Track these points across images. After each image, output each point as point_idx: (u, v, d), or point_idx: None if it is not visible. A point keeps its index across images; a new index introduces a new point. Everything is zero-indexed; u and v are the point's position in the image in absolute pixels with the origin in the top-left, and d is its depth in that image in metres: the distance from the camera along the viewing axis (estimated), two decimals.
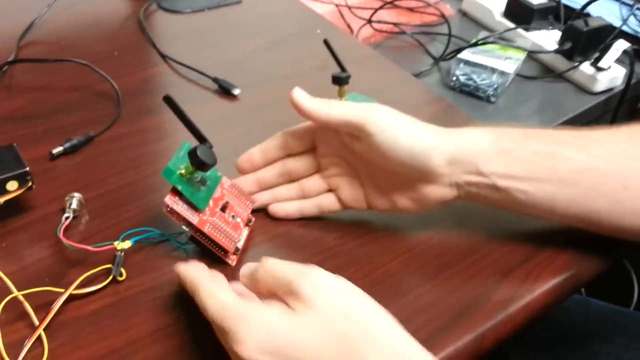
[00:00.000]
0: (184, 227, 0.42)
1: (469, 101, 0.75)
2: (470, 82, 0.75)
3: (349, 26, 0.88)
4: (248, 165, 0.47)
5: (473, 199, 0.44)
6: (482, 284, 0.44)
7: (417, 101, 0.65)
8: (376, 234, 0.48)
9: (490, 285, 0.44)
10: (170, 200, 0.41)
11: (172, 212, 0.41)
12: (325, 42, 0.57)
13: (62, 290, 0.39)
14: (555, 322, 0.56)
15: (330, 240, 0.47)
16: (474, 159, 0.42)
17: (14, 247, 0.44)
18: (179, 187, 0.41)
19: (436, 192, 0.44)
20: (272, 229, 0.47)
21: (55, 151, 0.51)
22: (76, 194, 0.46)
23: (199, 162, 0.40)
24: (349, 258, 0.45)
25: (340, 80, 0.57)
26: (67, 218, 0.44)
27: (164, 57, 0.67)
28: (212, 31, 0.72)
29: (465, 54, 0.76)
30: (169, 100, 0.39)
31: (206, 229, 0.42)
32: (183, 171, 0.41)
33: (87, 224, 0.46)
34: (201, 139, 0.41)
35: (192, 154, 0.40)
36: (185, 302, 0.41)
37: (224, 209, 0.44)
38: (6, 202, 0.43)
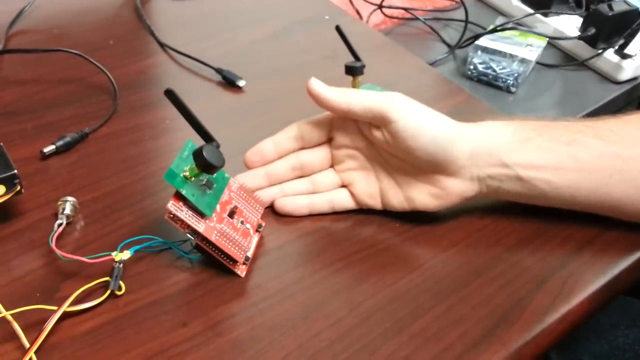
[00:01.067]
0: (188, 234, 0.38)
1: (487, 91, 0.71)
2: (489, 71, 0.70)
3: (358, 12, 0.83)
4: (259, 159, 0.44)
5: (494, 194, 0.43)
6: (515, 294, 0.40)
7: (435, 92, 0.61)
8: (395, 241, 0.44)
9: (524, 296, 0.40)
10: (174, 207, 0.37)
11: (176, 219, 0.37)
12: (338, 29, 0.53)
13: (55, 307, 0.35)
14: (597, 324, 0.53)
15: (347, 247, 0.43)
16: (496, 150, 0.41)
17: (1, 258, 0.40)
18: (183, 192, 0.37)
19: (457, 186, 0.42)
20: (284, 235, 0.43)
21: (46, 150, 0.47)
22: (70, 198, 0.42)
23: (206, 164, 0.36)
24: (369, 266, 0.42)
25: (354, 71, 0.53)
26: (59, 225, 0.40)
27: (163, 46, 0.62)
28: (215, 19, 0.68)
29: (483, 41, 0.71)
30: (170, 94, 0.35)
31: (213, 238, 0.38)
32: (187, 173, 0.37)
33: (82, 230, 0.42)
34: (207, 137, 0.37)
35: (198, 155, 0.36)
36: (193, 318, 0.37)
37: (232, 214, 0.40)
38: None
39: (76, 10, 0.67)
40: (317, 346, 0.36)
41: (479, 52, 0.71)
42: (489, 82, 0.71)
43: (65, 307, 0.35)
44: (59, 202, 0.42)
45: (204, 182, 0.38)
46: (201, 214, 0.38)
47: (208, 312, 0.38)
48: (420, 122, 0.41)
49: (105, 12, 0.67)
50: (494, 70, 0.70)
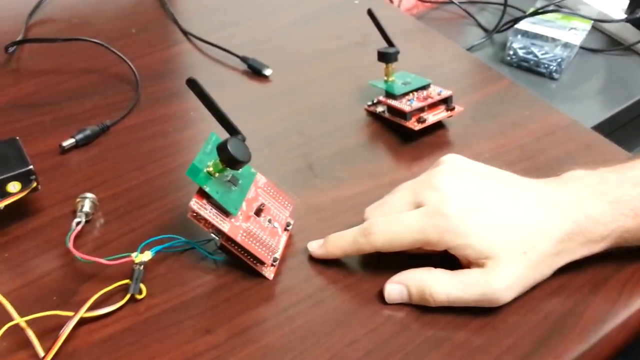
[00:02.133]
0: (212, 234, 0.35)
1: (527, 78, 0.67)
2: (530, 57, 0.66)
3: None
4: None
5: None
6: (570, 300, 0.37)
7: (473, 80, 0.57)
8: None
9: (579, 301, 0.37)
10: (197, 205, 0.34)
11: (199, 217, 0.35)
12: (370, 13, 0.50)
13: (71, 313, 0.33)
14: None
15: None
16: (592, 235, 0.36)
17: (17, 259, 0.38)
18: (207, 189, 0.34)
19: None
20: (315, 233, 0.40)
21: (65, 144, 0.45)
22: (89, 195, 0.40)
23: (231, 159, 0.33)
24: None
25: (388, 57, 0.50)
26: (78, 224, 0.38)
27: (186, 34, 0.60)
28: (240, 5, 0.65)
29: (523, 25, 0.67)
30: (193, 84, 0.32)
31: (239, 238, 0.35)
32: (211, 169, 0.35)
33: (102, 229, 0.40)
34: (232, 130, 0.34)
35: (222, 149, 0.33)
36: (218, 324, 0.34)
37: (259, 212, 0.37)
38: (8, 205, 0.37)
39: None
40: (352, 356, 0.33)
41: (519, 36, 0.67)
42: (529, 68, 0.67)
43: (82, 312, 0.33)
44: (78, 199, 0.40)
45: (228, 178, 0.36)
46: (226, 213, 0.35)
47: (233, 318, 0.35)
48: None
49: (126, 0, 0.65)
50: (536, 56, 0.66)
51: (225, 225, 0.35)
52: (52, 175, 0.43)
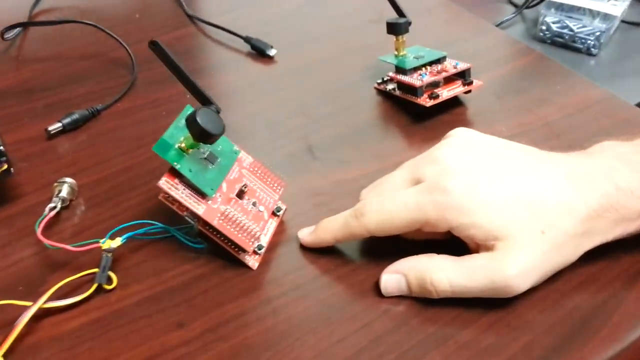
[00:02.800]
0: (188, 219, 0.32)
1: (563, 55, 0.61)
2: (565, 31, 0.60)
3: None
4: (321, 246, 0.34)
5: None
6: (599, 295, 0.31)
7: (499, 54, 0.52)
8: None
9: (611, 296, 0.31)
10: (167, 184, 0.31)
11: (171, 199, 0.31)
12: None
13: (30, 303, 0.30)
14: None
15: (388, 238, 0.35)
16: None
17: None
18: (177, 166, 0.31)
19: None
20: (308, 220, 0.36)
21: (51, 128, 0.43)
22: (68, 180, 0.37)
23: (201, 132, 0.29)
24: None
25: (397, 28, 0.45)
26: (52, 209, 0.35)
27: (191, 17, 0.57)
28: None
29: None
30: (156, 47, 0.29)
31: (216, 222, 0.31)
32: (183, 144, 0.31)
33: (81, 215, 0.37)
34: (204, 99, 0.30)
35: (192, 121, 0.29)
36: (192, 317, 0.31)
37: (241, 194, 0.33)
38: None
39: None
40: (340, 355, 0.29)
41: (553, 9, 0.61)
42: (565, 43, 0.61)
43: (41, 303, 0.30)
44: (55, 184, 0.37)
45: (205, 156, 0.32)
46: (201, 194, 0.31)
47: (210, 311, 0.31)
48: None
49: None
50: (571, 30, 0.60)
51: (200, 208, 0.31)
52: (36, 161, 0.41)
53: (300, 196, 0.38)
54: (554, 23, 0.61)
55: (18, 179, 0.39)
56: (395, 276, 0.31)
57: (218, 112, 0.31)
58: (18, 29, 0.53)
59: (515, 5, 0.66)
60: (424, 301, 0.31)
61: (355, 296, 0.32)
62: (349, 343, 0.30)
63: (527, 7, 0.65)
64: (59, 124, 0.43)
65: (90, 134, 0.44)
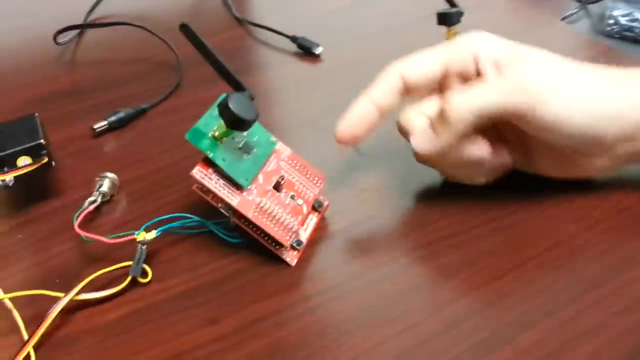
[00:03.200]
0: (223, 211, 0.31)
1: (633, 50, 0.56)
2: (635, 24, 0.56)
3: None
4: (359, 131, 0.34)
5: None
6: None
7: (561, 46, 0.48)
8: (499, 224, 0.33)
9: None
10: (200, 174, 0.30)
11: (205, 190, 0.30)
12: None
13: (62, 294, 0.29)
14: None
15: (433, 232, 0.33)
16: None
17: (30, 239, 0.35)
18: (210, 155, 0.29)
19: (597, 165, 0.32)
20: (352, 215, 0.34)
21: (97, 126, 0.43)
22: (109, 174, 0.37)
23: (233, 118, 0.28)
24: (461, 257, 0.31)
25: (449, 18, 0.43)
26: (91, 203, 0.35)
27: (238, 20, 0.57)
28: None
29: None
30: (186, 29, 0.28)
31: (251, 214, 0.30)
32: (217, 133, 0.30)
33: (122, 209, 0.37)
34: (237, 85, 0.29)
35: (223, 106, 0.28)
36: (226, 314, 0.29)
37: (278, 186, 0.32)
38: (29, 185, 0.35)
39: None
40: (379, 358, 0.27)
41: (622, 2, 0.57)
42: (635, 38, 0.56)
43: (73, 294, 0.29)
44: (97, 178, 0.37)
45: (240, 146, 0.31)
46: (236, 185, 0.30)
47: (245, 307, 0.30)
48: (563, 109, 0.30)
49: None
50: None
51: (234, 199, 0.30)
52: (81, 157, 0.41)
53: (344, 192, 0.36)
54: (622, 16, 0.57)
55: (62, 174, 0.39)
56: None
57: (252, 98, 0.29)
58: (73, 33, 0.55)
59: (580, 1, 0.62)
60: (479, 303, 0.28)
61: (401, 295, 0.30)
62: (390, 346, 0.27)
63: (592, 2, 0.61)
64: (105, 122, 0.43)
65: (135, 132, 0.44)
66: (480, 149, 0.32)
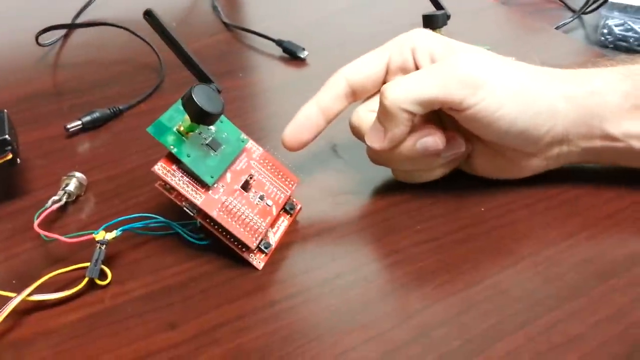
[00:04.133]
0: (187, 210, 0.29)
1: None
2: (629, 34, 0.55)
3: None
4: (306, 136, 0.34)
5: (587, 162, 0.33)
6: None
7: (555, 53, 0.47)
8: (478, 229, 0.32)
9: None
10: (163, 170, 0.28)
11: (168, 187, 0.29)
12: None
13: (13, 294, 0.28)
14: None
15: (409, 236, 0.31)
16: (600, 121, 0.31)
17: None
18: (174, 150, 0.28)
19: (535, 165, 0.33)
20: (325, 218, 0.33)
21: (70, 126, 0.42)
22: (77, 174, 0.36)
23: (197, 110, 0.27)
24: (435, 263, 0.30)
25: (434, 21, 0.42)
26: (55, 202, 0.34)
27: (226, 25, 0.56)
28: None
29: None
30: (150, 16, 0.27)
31: (215, 214, 0.28)
32: (182, 128, 0.29)
33: (88, 210, 0.35)
34: (203, 77, 0.28)
35: (187, 98, 0.27)
36: (186, 318, 0.28)
37: (246, 185, 0.30)
38: None
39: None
40: None
41: (616, 12, 0.56)
42: (629, 48, 0.55)
43: (24, 295, 0.28)
44: (63, 178, 0.36)
45: (207, 142, 0.30)
46: (201, 183, 0.29)
47: (206, 312, 0.28)
48: (497, 101, 0.30)
49: (177, 1, 0.63)
50: (637, 32, 0.54)
51: (198, 197, 0.28)
52: (52, 158, 0.40)
53: (320, 195, 0.35)
54: (617, 26, 0.55)
55: (31, 174, 0.38)
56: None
57: (219, 91, 0.28)
58: (56, 35, 0.54)
59: (573, 11, 0.61)
60: (451, 311, 0.27)
61: (371, 301, 0.28)
62: (358, 354, 0.26)
63: (585, 13, 0.60)
64: (78, 122, 0.42)
65: (110, 133, 0.42)
66: (434, 139, 0.31)
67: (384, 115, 0.30)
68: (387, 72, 0.34)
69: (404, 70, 0.33)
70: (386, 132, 0.31)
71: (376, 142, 0.31)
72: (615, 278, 0.28)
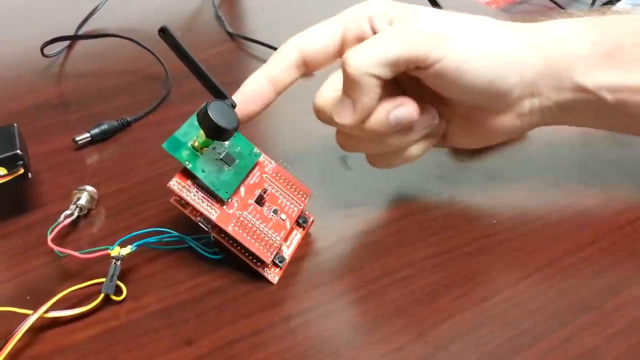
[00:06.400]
0: (202, 225, 0.29)
1: None
2: None
3: None
4: (253, 108, 0.32)
5: (563, 123, 0.33)
6: None
7: None
8: (489, 242, 0.32)
9: None
10: (178, 185, 0.28)
11: (184, 203, 0.29)
12: None
13: (30, 312, 0.28)
14: None
15: (420, 249, 0.32)
16: (569, 71, 0.30)
17: (3, 255, 0.34)
18: (189, 166, 0.28)
19: (507, 124, 0.32)
20: (337, 231, 0.33)
21: (78, 138, 0.42)
22: (88, 187, 0.36)
23: (212, 126, 0.27)
24: (448, 277, 0.30)
25: None
26: (67, 216, 0.34)
27: (230, 35, 0.56)
28: (292, 4, 0.61)
29: (623, 5, 0.56)
30: (165, 34, 0.27)
31: (230, 229, 0.29)
32: (196, 143, 0.29)
33: (100, 224, 0.35)
34: (218, 93, 0.28)
35: (202, 114, 0.27)
36: (202, 334, 0.28)
37: (260, 200, 0.31)
38: (5, 198, 0.34)
39: (149, 8, 0.63)
40: None
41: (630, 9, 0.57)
42: None
43: (41, 312, 0.28)
44: (74, 192, 0.36)
45: (221, 157, 0.30)
46: (216, 197, 0.29)
47: (222, 327, 0.28)
48: (462, 53, 0.28)
49: (179, 7, 0.64)
50: None
51: (213, 213, 0.29)
52: (60, 171, 0.40)
53: (331, 208, 0.35)
54: None
55: (41, 188, 0.38)
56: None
57: (233, 106, 0.28)
58: (61, 46, 0.54)
59: None
60: (467, 325, 0.27)
61: (386, 316, 0.28)
62: None
63: None
64: (87, 134, 0.42)
65: (118, 145, 0.42)
66: (407, 108, 0.29)
67: (350, 84, 0.28)
68: (343, 43, 0.32)
69: (362, 40, 0.30)
70: (355, 103, 0.29)
71: (346, 116, 0.29)
72: (628, 290, 0.28)
